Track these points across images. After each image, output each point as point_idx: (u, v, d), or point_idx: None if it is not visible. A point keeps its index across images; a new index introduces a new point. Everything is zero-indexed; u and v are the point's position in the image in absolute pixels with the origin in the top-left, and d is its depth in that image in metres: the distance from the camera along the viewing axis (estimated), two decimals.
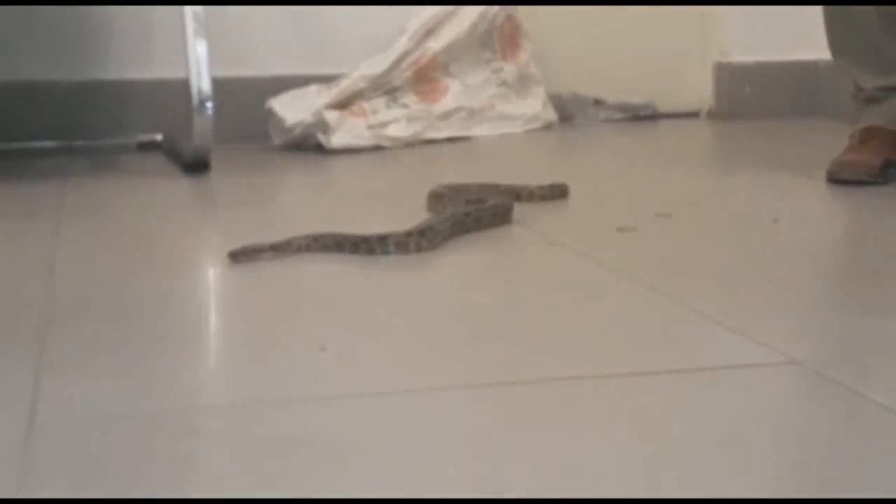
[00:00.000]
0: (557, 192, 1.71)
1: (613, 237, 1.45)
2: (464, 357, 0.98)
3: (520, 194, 1.67)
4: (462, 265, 1.38)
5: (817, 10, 1.98)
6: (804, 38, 2.69)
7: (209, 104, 1.99)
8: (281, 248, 1.35)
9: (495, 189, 1.68)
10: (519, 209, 1.66)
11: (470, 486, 0.71)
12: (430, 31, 2.50)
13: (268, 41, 2.50)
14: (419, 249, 1.38)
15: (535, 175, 1.82)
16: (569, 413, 0.84)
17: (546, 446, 0.78)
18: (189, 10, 1.97)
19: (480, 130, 2.51)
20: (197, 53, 1.99)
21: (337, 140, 2.31)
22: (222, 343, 1.05)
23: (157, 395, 0.90)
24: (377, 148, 2.35)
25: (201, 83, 1.98)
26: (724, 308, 1.10)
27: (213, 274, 1.34)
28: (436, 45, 2.49)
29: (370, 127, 2.37)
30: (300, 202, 1.89)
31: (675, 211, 1.60)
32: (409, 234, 1.38)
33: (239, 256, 1.32)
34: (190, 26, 1.98)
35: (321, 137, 2.31)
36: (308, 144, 2.34)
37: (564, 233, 1.47)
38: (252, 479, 0.72)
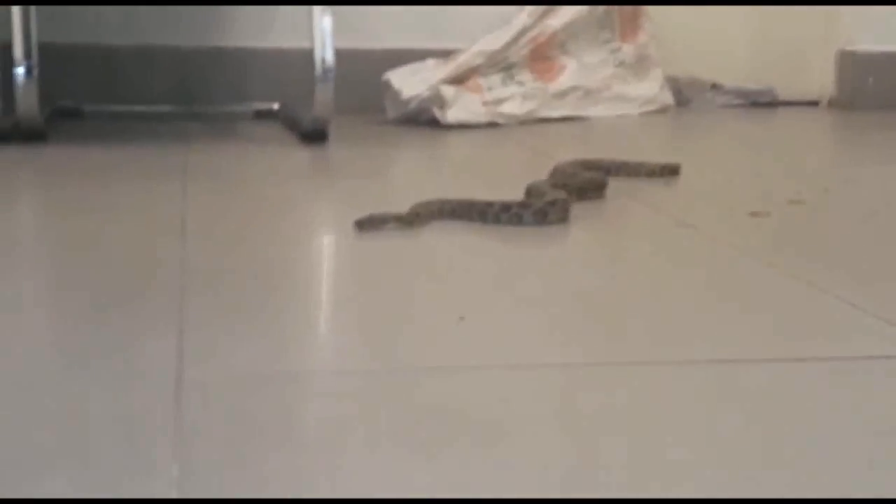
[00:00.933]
0: (667, 171, 1.70)
1: (747, 222, 1.41)
2: (601, 334, 0.96)
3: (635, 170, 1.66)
4: (594, 241, 1.36)
5: None
6: None
7: (332, 74, 1.99)
8: (407, 220, 1.35)
9: (624, 165, 1.68)
10: (646, 187, 1.64)
11: (630, 468, 0.69)
12: (549, 9, 2.47)
13: (386, 14, 2.50)
14: (556, 221, 1.38)
15: (652, 156, 1.80)
16: (713, 397, 0.82)
17: (692, 430, 0.76)
18: None
19: (596, 111, 2.49)
20: (322, 24, 1.99)
21: (452, 115, 2.30)
22: (358, 310, 1.05)
23: (301, 358, 0.89)
24: (492, 124, 2.33)
25: (326, 54, 1.99)
26: (870, 297, 1.06)
27: (340, 242, 1.34)
28: (555, 22, 2.47)
29: (485, 103, 2.36)
30: (416, 175, 1.89)
31: (807, 198, 1.56)
32: (552, 202, 1.38)
33: (365, 225, 1.32)
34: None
35: (436, 112, 2.30)
36: (423, 118, 2.34)
37: (695, 215, 1.44)
38: (406, 449, 0.71)
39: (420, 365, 0.87)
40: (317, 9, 2.01)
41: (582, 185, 1.53)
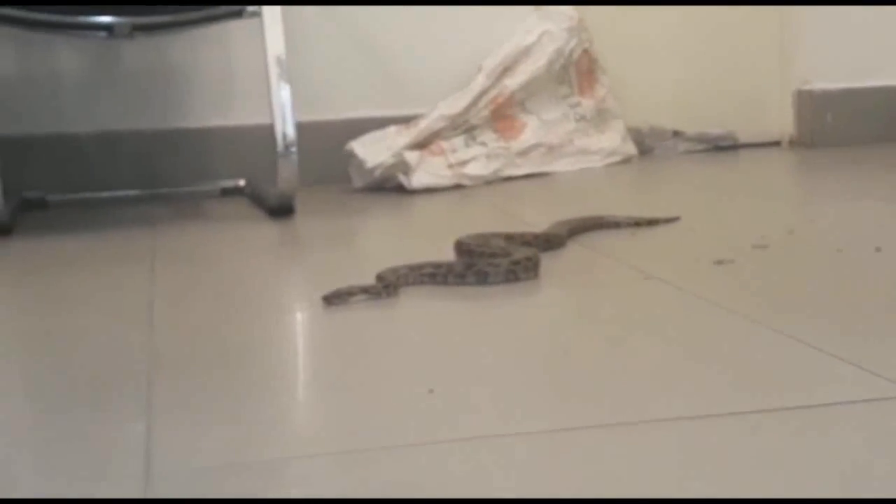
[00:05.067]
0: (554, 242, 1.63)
1: (712, 270, 1.42)
2: (574, 397, 0.96)
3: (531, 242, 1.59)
4: (564, 299, 1.36)
5: None
6: (887, 63, 2.65)
7: (294, 149, 2.00)
8: (375, 290, 1.35)
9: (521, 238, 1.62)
10: (612, 240, 1.65)
11: None
12: (506, 69, 2.50)
13: (344, 84, 2.52)
14: (527, 277, 1.40)
15: (618, 209, 1.80)
16: (688, 454, 0.81)
17: (669, 488, 0.75)
18: (272, 56, 1.98)
19: (560, 166, 2.50)
20: (281, 98, 2.00)
21: (417, 180, 2.30)
22: (325, 388, 1.04)
23: (268, 444, 0.88)
24: (458, 186, 2.34)
25: (286, 128, 1.99)
26: (838, 340, 1.06)
27: (308, 318, 1.33)
28: (513, 82, 2.49)
29: (450, 166, 2.37)
30: (385, 242, 1.89)
31: (770, 242, 1.57)
32: (517, 261, 1.39)
33: (332, 299, 1.32)
34: (273, 72, 1.99)
35: (402, 178, 2.31)
36: (389, 185, 2.34)
37: (660, 266, 1.45)
38: None
39: (390, 444, 0.86)
40: (274, 82, 2.02)
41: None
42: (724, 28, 2.73)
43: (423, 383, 0.99)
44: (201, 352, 1.16)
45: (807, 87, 2.74)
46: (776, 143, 2.79)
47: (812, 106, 2.73)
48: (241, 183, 2.42)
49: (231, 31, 2.38)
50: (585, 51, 2.56)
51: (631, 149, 2.61)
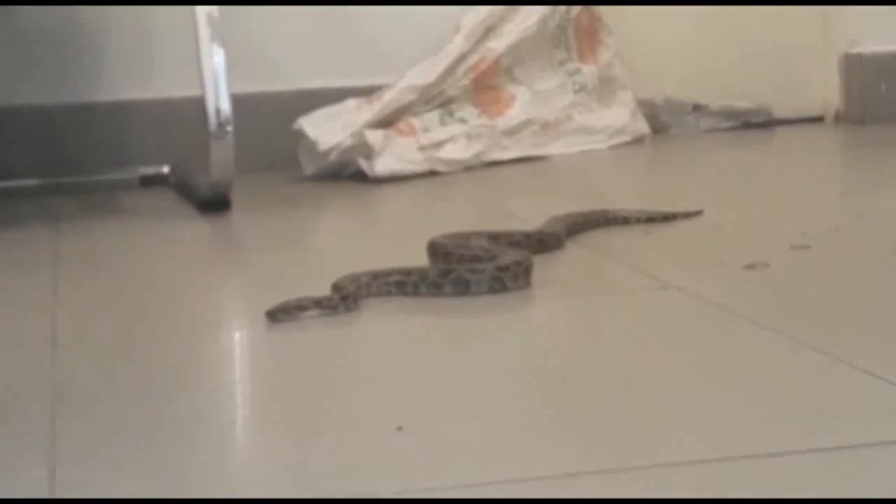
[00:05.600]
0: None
1: (742, 277, 1.42)
2: (573, 435, 0.96)
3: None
4: (561, 312, 1.36)
5: None
6: None
7: (229, 128, 1.99)
8: (330, 304, 1.34)
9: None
10: (619, 240, 1.65)
11: None
12: (490, 28, 2.50)
13: (293, 48, 2.51)
14: (516, 286, 1.40)
15: (627, 201, 1.81)
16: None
17: None
18: (202, 10, 1.97)
19: (556, 148, 2.50)
20: (213, 65, 1.99)
21: (382, 166, 2.30)
22: (269, 425, 1.04)
23: (197, 493, 0.88)
24: (431, 173, 2.34)
25: (220, 102, 1.98)
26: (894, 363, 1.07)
27: (249, 338, 1.33)
28: (498, 44, 2.49)
29: (421, 148, 2.37)
30: (341, 244, 1.89)
31: (813, 241, 1.57)
32: (505, 266, 1.40)
33: (278, 315, 1.32)
34: (203, 32, 1.98)
35: (362, 163, 2.31)
36: (347, 172, 2.34)
37: (678, 272, 1.45)
38: None
39: (350, 494, 0.86)
40: (205, 45, 2.00)
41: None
42: None
43: (390, 419, 0.99)
44: (116, 380, 1.16)
45: (855, 49, 2.75)
46: (819, 119, 2.80)
47: (862, 73, 2.74)
48: (165, 170, 2.41)
49: None
50: (586, 6, 2.57)
51: (642, 126, 2.62)
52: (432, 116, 2.43)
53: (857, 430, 0.94)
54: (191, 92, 2.11)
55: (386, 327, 1.34)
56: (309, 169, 2.36)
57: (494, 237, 1.59)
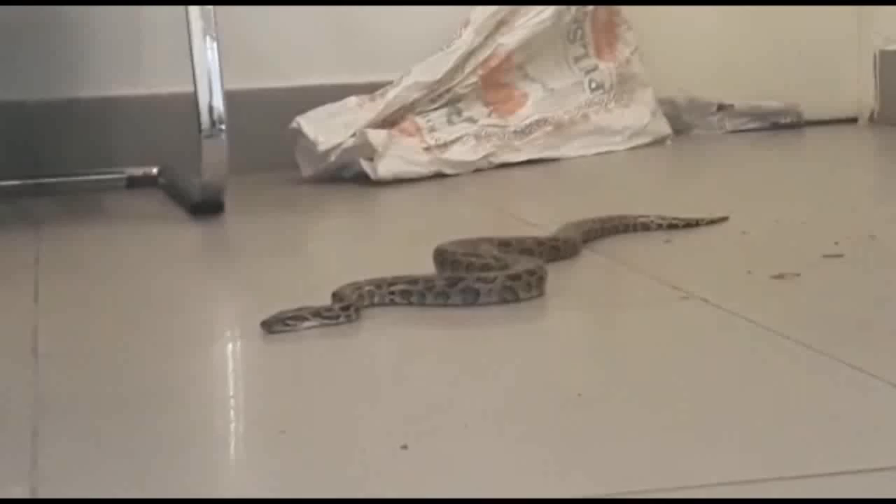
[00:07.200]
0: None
1: (771, 287, 1.42)
2: (589, 455, 0.96)
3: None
4: (577, 325, 1.36)
5: None
6: None
7: (223, 126, 1.99)
8: (330, 315, 1.34)
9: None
10: (639, 247, 1.65)
11: None
12: (501, 23, 2.50)
13: (291, 42, 2.51)
14: (529, 297, 1.40)
15: (647, 206, 1.81)
16: None
17: None
18: (195, 6, 1.97)
19: (571, 149, 2.51)
20: (206, 61, 1.99)
21: (385, 168, 2.31)
22: (266, 443, 1.03)
23: None
24: (438, 175, 2.34)
25: (213, 99, 1.99)
26: None
27: (243, 351, 1.33)
28: (509, 40, 2.49)
29: (428, 149, 2.37)
30: (341, 251, 1.89)
31: (846, 250, 1.57)
32: (517, 275, 1.40)
33: (275, 326, 1.32)
34: (196, 25, 1.98)
35: (364, 165, 2.31)
36: (348, 174, 2.35)
37: (702, 282, 1.45)
38: None
39: None
40: (198, 39, 2.01)
41: None
42: None
43: (395, 437, 0.99)
44: (101, 394, 1.15)
45: (892, 46, 2.75)
46: (852, 120, 2.80)
47: None
48: (154, 171, 2.41)
49: None
50: None
51: (663, 127, 2.62)
52: (439, 115, 2.44)
53: (893, 451, 0.93)
54: (182, 88, 2.11)
55: (389, 339, 1.34)
56: (307, 170, 2.36)
57: (505, 244, 1.59)
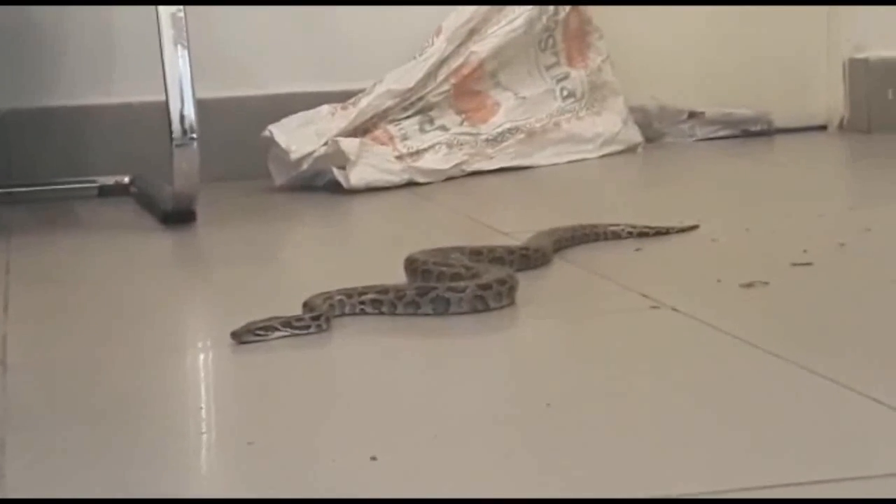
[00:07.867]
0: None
1: (739, 296, 1.42)
2: (559, 466, 0.96)
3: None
4: (548, 334, 1.36)
5: None
6: None
7: (195, 135, 1.99)
8: (301, 325, 1.34)
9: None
10: (610, 256, 1.65)
11: None
12: (473, 31, 2.50)
13: (264, 50, 2.51)
14: (499, 306, 1.40)
15: (618, 214, 1.81)
16: None
17: None
18: (165, 11, 1.97)
19: (542, 157, 2.51)
20: (178, 69, 1.98)
21: (357, 176, 2.30)
22: (234, 455, 1.03)
23: None
24: (409, 184, 2.34)
25: (184, 108, 1.98)
26: None
27: (213, 361, 1.33)
28: (481, 48, 2.49)
29: (400, 157, 2.37)
30: (313, 260, 1.89)
31: (815, 259, 1.58)
32: (487, 285, 1.40)
33: (245, 336, 1.31)
34: (167, 33, 1.97)
35: (337, 173, 2.31)
36: (320, 182, 2.34)
37: (672, 291, 1.45)
38: None
39: None
40: (169, 47, 2.00)
41: None
42: None
43: (364, 448, 0.99)
44: (70, 406, 1.15)
45: (861, 54, 2.76)
46: (822, 128, 2.81)
47: (868, 79, 2.75)
48: (126, 180, 2.41)
49: None
50: (575, 7, 2.57)
51: (635, 135, 2.62)
52: (411, 124, 2.44)
53: (863, 461, 0.93)
54: (153, 97, 2.11)
55: (360, 349, 1.33)
56: (279, 179, 2.36)
57: (476, 253, 1.59)
